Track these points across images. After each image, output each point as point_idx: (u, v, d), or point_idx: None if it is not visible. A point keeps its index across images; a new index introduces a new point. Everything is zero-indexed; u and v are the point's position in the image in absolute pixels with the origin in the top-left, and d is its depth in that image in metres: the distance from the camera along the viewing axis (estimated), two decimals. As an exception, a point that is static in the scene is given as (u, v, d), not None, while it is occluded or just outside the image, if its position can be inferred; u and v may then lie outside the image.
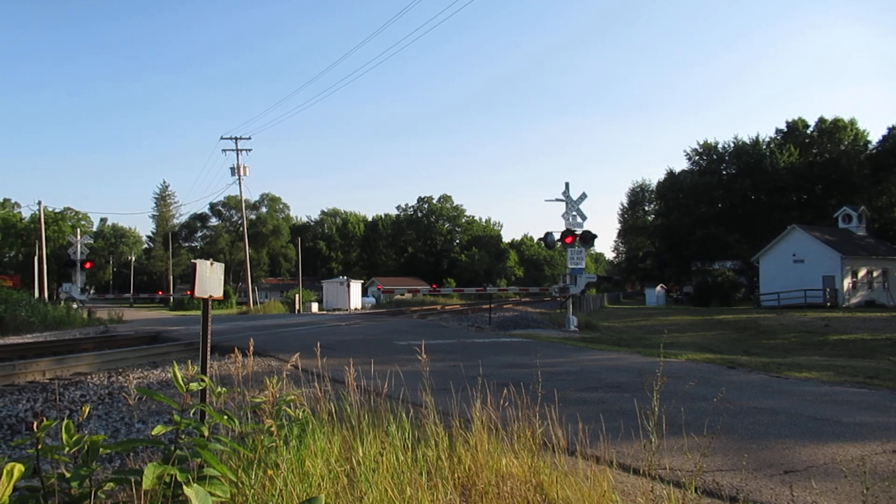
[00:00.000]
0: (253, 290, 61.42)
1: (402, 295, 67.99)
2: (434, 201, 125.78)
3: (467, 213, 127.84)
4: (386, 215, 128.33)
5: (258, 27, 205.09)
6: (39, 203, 51.67)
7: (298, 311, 48.20)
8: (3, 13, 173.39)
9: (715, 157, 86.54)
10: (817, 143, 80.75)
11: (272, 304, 54.44)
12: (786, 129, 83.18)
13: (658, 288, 75.23)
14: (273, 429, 4.03)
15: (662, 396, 4.68)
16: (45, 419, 2.94)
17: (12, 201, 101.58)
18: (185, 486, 2.77)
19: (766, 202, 77.85)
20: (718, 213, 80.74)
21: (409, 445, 4.14)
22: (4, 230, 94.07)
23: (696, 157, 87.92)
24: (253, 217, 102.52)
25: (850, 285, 51.60)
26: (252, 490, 3.42)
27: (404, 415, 4.53)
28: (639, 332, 30.16)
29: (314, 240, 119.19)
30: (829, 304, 48.24)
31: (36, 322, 24.94)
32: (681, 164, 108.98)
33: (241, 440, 3.89)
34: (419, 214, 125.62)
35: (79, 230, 51.23)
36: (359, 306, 53.79)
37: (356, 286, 57.13)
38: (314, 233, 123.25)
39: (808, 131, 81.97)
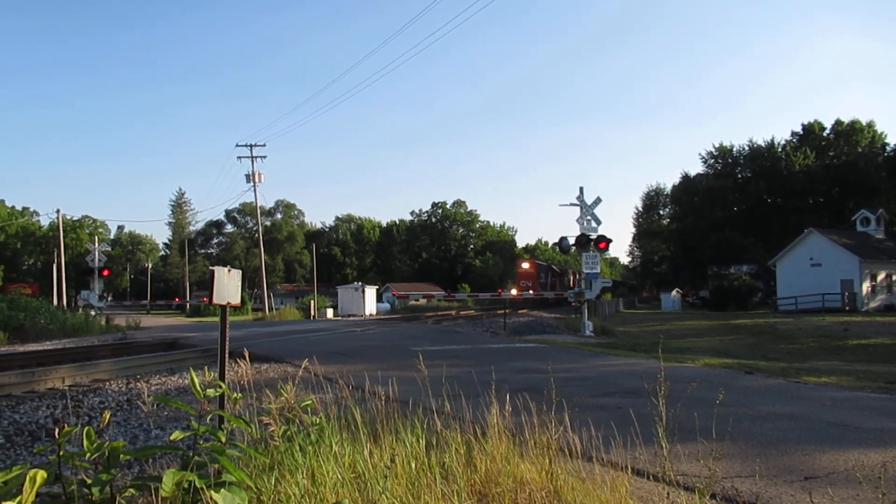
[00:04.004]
0: (268, 297, 61.70)
1: (417, 300, 68.00)
2: (448, 206, 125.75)
3: (481, 219, 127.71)
4: (400, 221, 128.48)
5: (271, 37, 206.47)
6: (58, 211, 52.25)
7: (314, 317, 48.33)
8: (21, 23, 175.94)
9: (730, 160, 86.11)
10: (834, 146, 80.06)
11: (287, 311, 54.64)
12: (801, 132, 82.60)
13: (674, 292, 74.80)
14: (290, 434, 4.05)
15: (679, 402, 4.66)
16: (65, 426, 2.97)
17: (31, 209, 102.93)
18: (212, 492, 2.79)
19: (781, 205, 77.26)
20: (734, 216, 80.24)
21: (425, 451, 4.15)
22: (24, 238, 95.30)
23: (711, 161, 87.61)
24: (268, 223, 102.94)
25: (869, 289, 51.02)
26: (268, 496, 3.43)
27: (420, 421, 4.53)
28: (655, 337, 29.99)
29: (329, 246, 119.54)
30: (847, 308, 47.74)
31: (55, 329, 25.20)
32: (696, 168, 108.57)
33: (258, 446, 3.91)
34: (433, 220, 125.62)
35: (96, 238, 51.79)
36: (374, 312, 53.87)
37: (371, 292, 57.20)
38: (329, 239, 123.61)
39: (825, 134, 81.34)
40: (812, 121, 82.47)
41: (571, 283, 61.80)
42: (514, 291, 50.09)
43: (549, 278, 58.72)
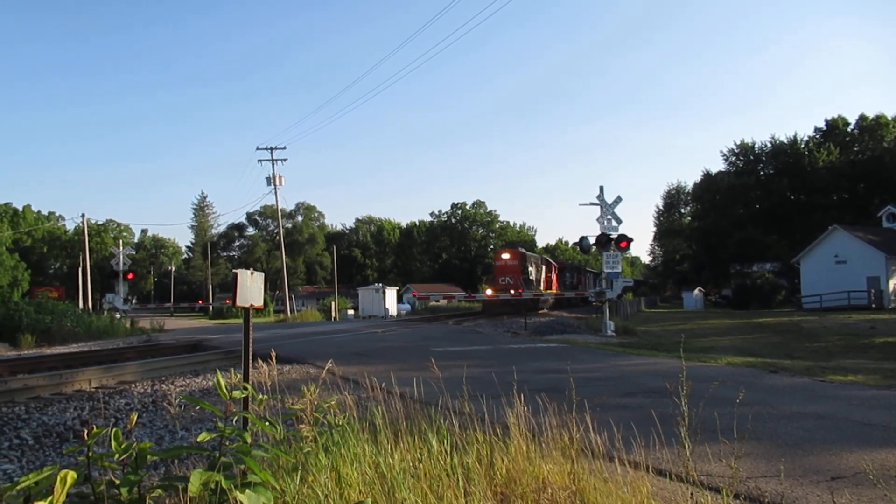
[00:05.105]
0: (290, 299, 62.14)
1: (437, 301, 67.92)
2: (468, 207, 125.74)
3: (501, 219, 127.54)
4: (420, 222, 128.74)
5: (290, 39, 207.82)
6: (83, 215, 52.85)
7: (335, 318, 48.61)
8: (41, 25, 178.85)
9: (752, 157, 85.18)
10: (858, 141, 78.91)
11: (309, 312, 55.00)
12: (825, 128, 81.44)
13: (696, 291, 74.13)
14: (314, 435, 4.08)
15: (702, 401, 4.63)
16: (93, 427, 3.02)
17: (57, 214, 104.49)
18: (238, 492, 2.83)
19: (805, 202, 76.29)
20: (756, 214, 79.33)
21: (447, 452, 4.16)
22: (50, 242, 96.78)
23: (733, 158, 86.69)
24: (289, 226, 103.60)
25: (897, 286, 50.23)
26: (293, 496, 3.46)
27: (442, 421, 4.55)
28: (677, 336, 29.74)
29: (349, 247, 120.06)
30: (873, 305, 47.01)
31: (81, 332, 25.56)
32: (717, 165, 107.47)
33: (282, 446, 3.95)
34: (453, 220, 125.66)
35: (121, 241, 52.41)
36: (394, 313, 54.03)
37: (391, 293, 57.38)
38: (349, 240, 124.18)
39: (849, 129, 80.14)
40: (836, 116, 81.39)
41: (578, 280, 59.54)
42: (489, 292, 39.61)
43: (541, 274, 46.55)
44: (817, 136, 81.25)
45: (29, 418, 8.13)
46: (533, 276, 43.00)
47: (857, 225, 58.08)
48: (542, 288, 43.57)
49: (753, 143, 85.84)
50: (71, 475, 2.63)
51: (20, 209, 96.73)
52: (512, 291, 37.63)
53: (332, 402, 4.51)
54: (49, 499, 2.56)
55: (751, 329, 36.13)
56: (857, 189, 75.18)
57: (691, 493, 3.81)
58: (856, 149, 78.53)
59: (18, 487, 2.68)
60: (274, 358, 5.03)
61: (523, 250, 45.53)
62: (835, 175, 74.08)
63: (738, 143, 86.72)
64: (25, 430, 7.45)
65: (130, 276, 38.78)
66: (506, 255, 41.60)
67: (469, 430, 4.41)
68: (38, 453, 6.59)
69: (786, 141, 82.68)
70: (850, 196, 75.97)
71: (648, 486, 3.74)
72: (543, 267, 47.44)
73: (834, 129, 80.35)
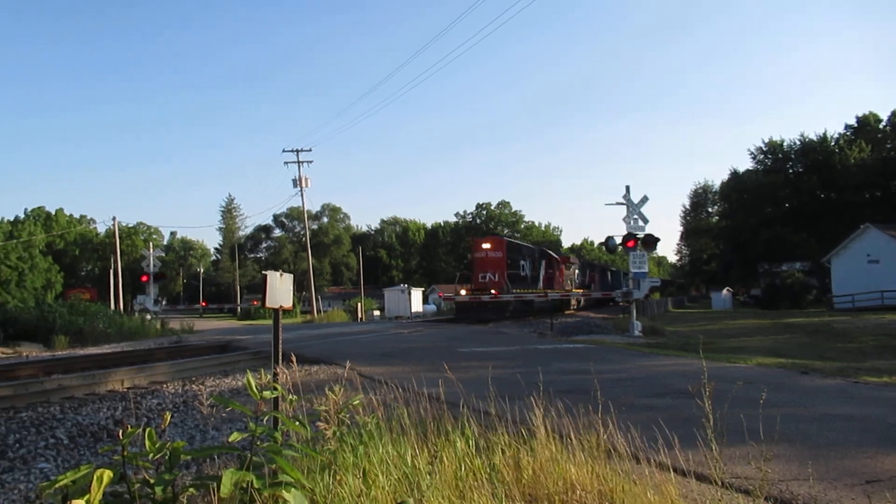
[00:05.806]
0: (316, 299, 62.51)
1: (463, 302, 67.69)
2: (492, 207, 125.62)
3: (526, 219, 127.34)
4: (445, 223, 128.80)
5: (317, 40, 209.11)
6: (114, 219, 53.62)
7: (361, 319, 48.79)
8: (67, 26, 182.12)
9: (780, 155, 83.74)
10: (891, 138, 77.28)
11: (335, 313, 55.30)
12: (856, 125, 79.83)
13: (724, 291, 73.20)
14: (340, 434, 4.12)
15: (731, 403, 4.58)
16: (127, 427, 3.08)
17: (88, 217, 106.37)
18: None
19: (835, 201, 74.87)
20: (785, 213, 78.04)
21: (473, 452, 4.17)
22: (82, 245, 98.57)
23: (761, 156, 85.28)
24: (315, 227, 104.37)
25: (932, 286, 49.07)
26: (322, 496, 3.50)
27: (468, 422, 4.56)
28: (705, 336, 29.41)
29: (375, 248, 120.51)
30: (908, 305, 46.05)
31: (113, 333, 25.95)
32: (745, 164, 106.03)
33: (311, 446, 3.99)
34: (478, 221, 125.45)
35: (151, 244, 53.16)
36: (420, 314, 54.11)
37: (417, 294, 57.52)
38: (375, 241, 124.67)
39: (881, 126, 78.51)
40: (867, 112, 79.76)
41: (590, 279, 57.97)
42: (462, 292, 32.47)
43: (538, 271, 38.40)
44: (848, 134, 79.70)
45: (63, 418, 8.30)
46: (526, 273, 36.08)
47: (891, 223, 56.84)
48: (540, 287, 37.43)
49: (782, 142, 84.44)
50: (107, 474, 2.69)
51: (53, 213, 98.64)
52: (493, 290, 30.92)
53: (358, 401, 4.53)
54: (86, 497, 2.62)
55: (781, 329, 35.57)
56: (889, 186, 73.55)
57: (721, 496, 3.77)
58: (888, 146, 76.89)
59: (56, 486, 2.75)
60: (294, 360, 5.08)
61: (511, 240, 37.99)
62: (866, 172, 72.56)
63: (767, 141, 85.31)
64: (60, 430, 7.60)
65: (161, 277, 39.32)
66: (486, 245, 33.11)
67: (495, 432, 4.41)
68: (73, 452, 6.72)
69: (815, 138, 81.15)
70: (883, 194, 74.34)
71: (677, 488, 3.71)
72: (543, 262, 39.66)
73: (865, 126, 78.75)
